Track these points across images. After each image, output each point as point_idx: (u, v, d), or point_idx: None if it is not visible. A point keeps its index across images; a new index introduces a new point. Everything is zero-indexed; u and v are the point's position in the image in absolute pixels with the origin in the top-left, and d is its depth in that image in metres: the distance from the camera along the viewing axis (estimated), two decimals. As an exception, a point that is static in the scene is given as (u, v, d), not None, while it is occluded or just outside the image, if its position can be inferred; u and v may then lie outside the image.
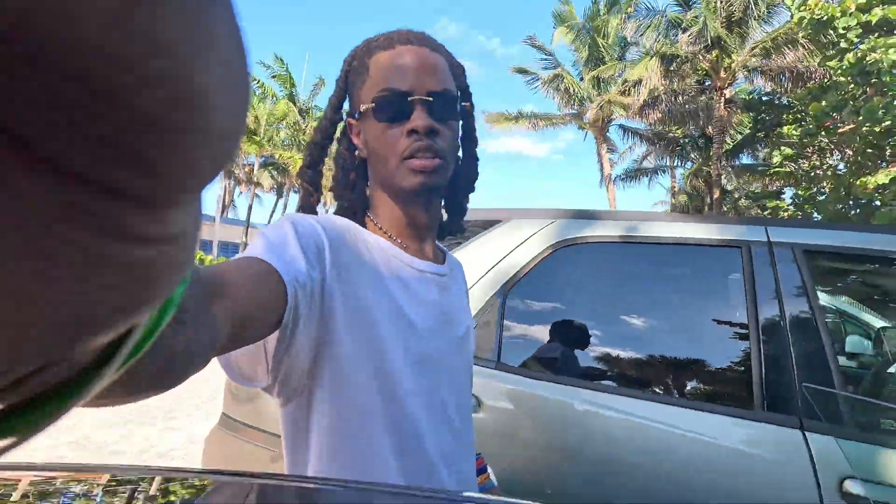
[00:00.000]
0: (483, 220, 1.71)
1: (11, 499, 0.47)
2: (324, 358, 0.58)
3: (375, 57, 0.67)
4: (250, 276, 0.47)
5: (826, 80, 8.77)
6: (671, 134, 18.87)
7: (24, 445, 0.13)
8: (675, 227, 1.57)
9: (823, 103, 8.27)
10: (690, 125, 17.42)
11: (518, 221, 1.67)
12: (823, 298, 1.51)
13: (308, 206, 0.72)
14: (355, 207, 0.71)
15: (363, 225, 0.70)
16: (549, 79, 17.29)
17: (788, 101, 14.05)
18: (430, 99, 0.65)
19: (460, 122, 0.71)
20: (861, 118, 7.63)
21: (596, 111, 16.74)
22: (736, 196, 20.53)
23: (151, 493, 0.48)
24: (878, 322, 2.22)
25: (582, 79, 17.61)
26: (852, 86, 7.98)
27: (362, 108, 0.67)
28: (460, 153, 0.76)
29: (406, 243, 0.70)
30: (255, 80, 18.07)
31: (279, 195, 29.08)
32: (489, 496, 0.62)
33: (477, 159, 0.79)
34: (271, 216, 30.51)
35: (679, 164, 20.83)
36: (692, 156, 19.90)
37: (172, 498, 0.50)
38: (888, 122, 7.61)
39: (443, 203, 0.76)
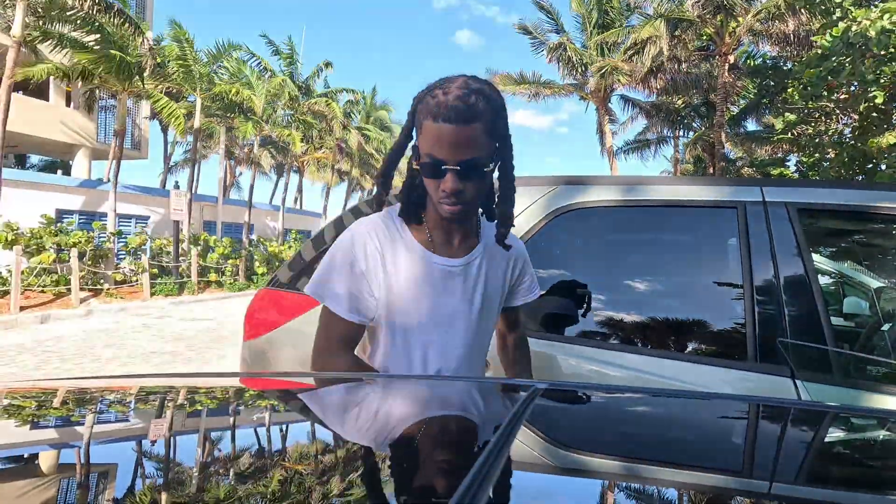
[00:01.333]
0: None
1: (53, 405, 0.53)
2: (377, 315, 1.01)
3: (427, 123, 0.90)
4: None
5: (824, 49, 8.63)
6: (673, 103, 18.58)
7: None
8: (672, 189, 1.61)
9: (820, 69, 8.16)
10: (693, 93, 17.14)
11: (521, 189, 1.71)
12: (818, 256, 1.56)
13: (379, 202, 1.05)
14: (415, 208, 1.02)
15: (419, 218, 1.02)
16: (554, 46, 16.89)
17: (794, 65, 13.78)
18: (458, 168, 0.89)
19: (494, 163, 0.95)
20: (866, 79, 7.53)
21: (598, 79, 16.42)
22: (739, 164, 20.33)
23: (180, 400, 0.54)
24: (874, 283, 2.27)
25: (586, 47, 17.22)
26: (842, 58, 7.87)
27: (414, 164, 0.96)
28: (496, 176, 1.01)
29: (437, 237, 1.02)
30: (255, 56, 17.72)
31: (279, 174, 28.96)
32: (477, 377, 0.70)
33: (513, 180, 1.00)
34: (272, 196, 30.56)
35: (682, 133, 20.57)
36: (694, 125, 19.63)
37: (201, 399, 0.57)
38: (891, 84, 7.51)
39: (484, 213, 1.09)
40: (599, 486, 0.36)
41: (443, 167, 0.89)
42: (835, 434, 0.55)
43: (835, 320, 2.12)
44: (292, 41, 19.18)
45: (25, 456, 0.38)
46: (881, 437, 0.54)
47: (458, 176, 0.89)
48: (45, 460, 0.37)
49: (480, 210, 1.08)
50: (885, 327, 1.87)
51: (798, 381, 1.32)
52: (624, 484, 0.36)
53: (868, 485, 0.40)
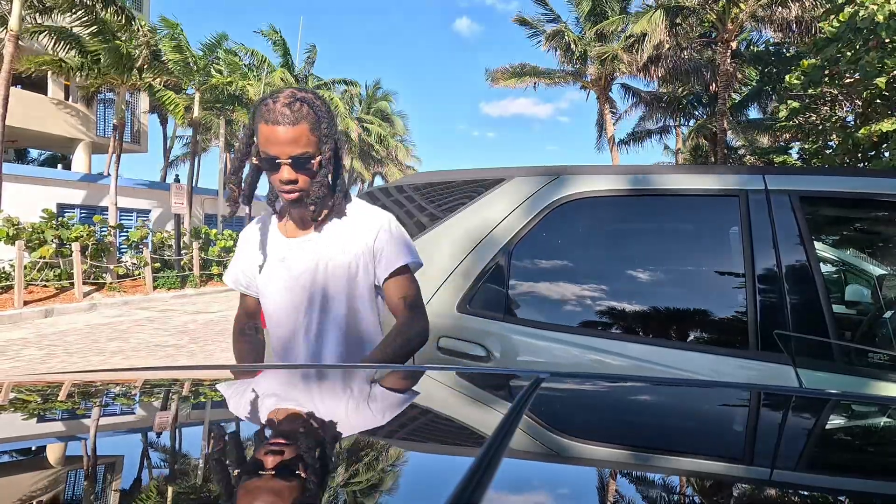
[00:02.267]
0: (487, 178, 1.75)
1: (59, 398, 0.54)
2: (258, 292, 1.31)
3: (261, 126, 1.10)
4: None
5: (826, 35, 8.53)
6: (675, 92, 18.41)
7: None
8: (674, 178, 1.60)
9: (815, 60, 8.08)
10: (695, 81, 16.98)
11: (521, 179, 1.71)
12: (820, 244, 1.56)
13: (233, 201, 1.20)
14: (275, 201, 1.23)
15: (282, 209, 1.26)
16: (552, 34, 16.71)
17: (797, 52, 13.64)
18: (289, 161, 1.10)
19: (320, 157, 1.13)
20: (867, 71, 7.45)
21: (598, 67, 16.27)
22: (741, 153, 20.20)
23: (184, 393, 0.55)
24: (877, 270, 2.27)
25: (583, 34, 17.05)
26: (845, 44, 7.77)
27: (254, 160, 1.16)
28: (329, 175, 1.18)
29: (289, 219, 1.26)
30: (250, 51, 17.63)
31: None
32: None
33: (340, 174, 1.22)
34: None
35: (684, 122, 20.41)
36: (696, 113, 19.47)
37: (205, 391, 0.57)
38: (894, 72, 7.43)
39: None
40: (601, 474, 0.36)
41: (276, 161, 1.10)
42: (836, 421, 0.56)
43: (837, 308, 2.12)
44: (280, 34, 18.99)
45: (32, 448, 0.38)
46: (882, 423, 0.55)
47: (291, 167, 1.10)
48: (52, 452, 0.37)
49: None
50: (887, 315, 1.87)
51: (799, 370, 1.33)
52: (626, 472, 0.36)
53: (869, 471, 0.41)
